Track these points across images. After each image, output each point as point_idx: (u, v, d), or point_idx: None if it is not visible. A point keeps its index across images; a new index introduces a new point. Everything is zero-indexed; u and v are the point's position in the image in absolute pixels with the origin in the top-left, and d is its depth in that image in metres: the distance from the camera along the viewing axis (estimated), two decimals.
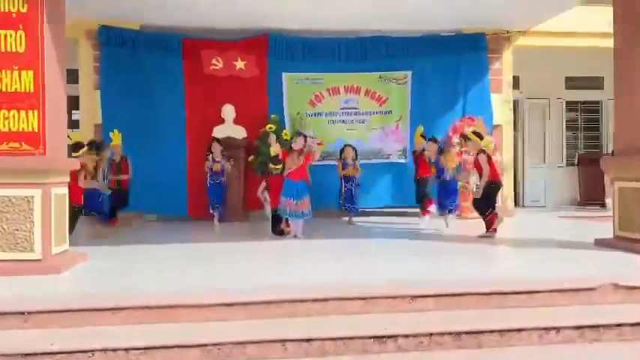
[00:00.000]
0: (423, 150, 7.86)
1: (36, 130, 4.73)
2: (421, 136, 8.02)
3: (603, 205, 10.45)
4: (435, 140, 7.93)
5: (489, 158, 6.91)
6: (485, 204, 6.87)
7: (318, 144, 7.82)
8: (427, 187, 7.91)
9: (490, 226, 6.85)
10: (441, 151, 7.83)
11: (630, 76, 5.79)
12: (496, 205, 7.08)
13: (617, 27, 5.98)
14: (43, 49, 4.74)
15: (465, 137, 7.30)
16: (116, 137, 8.22)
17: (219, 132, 9.17)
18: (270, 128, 8.96)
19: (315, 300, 3.94)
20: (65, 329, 3.57)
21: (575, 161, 12.09)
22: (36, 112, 4.73)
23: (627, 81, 5.85)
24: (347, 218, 8.78)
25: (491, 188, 6.89)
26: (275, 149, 7.40)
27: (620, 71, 5.99)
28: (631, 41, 5.75)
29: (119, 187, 8.21)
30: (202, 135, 9.09)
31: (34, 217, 4.68)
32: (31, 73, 4.72)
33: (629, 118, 5.82)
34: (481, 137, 7.09)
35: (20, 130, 4.70)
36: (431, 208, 7.94)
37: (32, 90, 4.73)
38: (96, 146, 7.45)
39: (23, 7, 4.70)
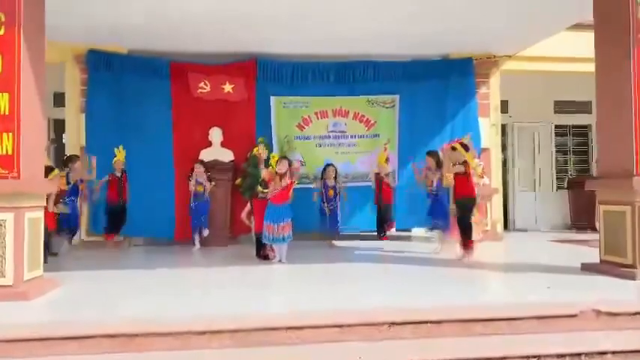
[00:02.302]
0: (387, 175, 8.05)
1: (10, 153, 4.67)
2: (386, 160, 8.09)
3: (594, 229, 10.35)
4: (434, 154, 7.77)
5: (467, 174, 6.85)
6: (467, 222, 6.82)
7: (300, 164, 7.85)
8: (390, 213, 8.84)
9: (467, 249, 6.79)
10: (439, 166, 7.60)
11: (611, 99, 5.78)
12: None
13: (598, 50, 5.99)
14: (20, 72, 4.72)
15: (452, 148, 7.25)
16: (120, 153, 8.49)
17: (206, 155, 9.11)
18: (258, 151, 8.90)
19: (289, 328, 3.83)
20: (26, 359, 3.44)
21: (565, 185, 12.06)
22: (11, 134, 4.69)
23: (608, 104, 5.84)
24: (328, 241, 8.71)
25: (468, 204, 6.85)
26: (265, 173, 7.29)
27: (601, 94, 5.98)
28: (611, 64, 5.75)
29: (122, 203, 8.41)
30: (190, 158, 8.98)
31: (6, 241, 4.59)
32: (6, 95, 4.69)
33: (611, 141, 5.80)
34: (467, 149, 7.00)
35: None
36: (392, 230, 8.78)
37: (7, 112, 4.69)
38: (63, 161, 7.45)
39: (0, 30, 4.68)
